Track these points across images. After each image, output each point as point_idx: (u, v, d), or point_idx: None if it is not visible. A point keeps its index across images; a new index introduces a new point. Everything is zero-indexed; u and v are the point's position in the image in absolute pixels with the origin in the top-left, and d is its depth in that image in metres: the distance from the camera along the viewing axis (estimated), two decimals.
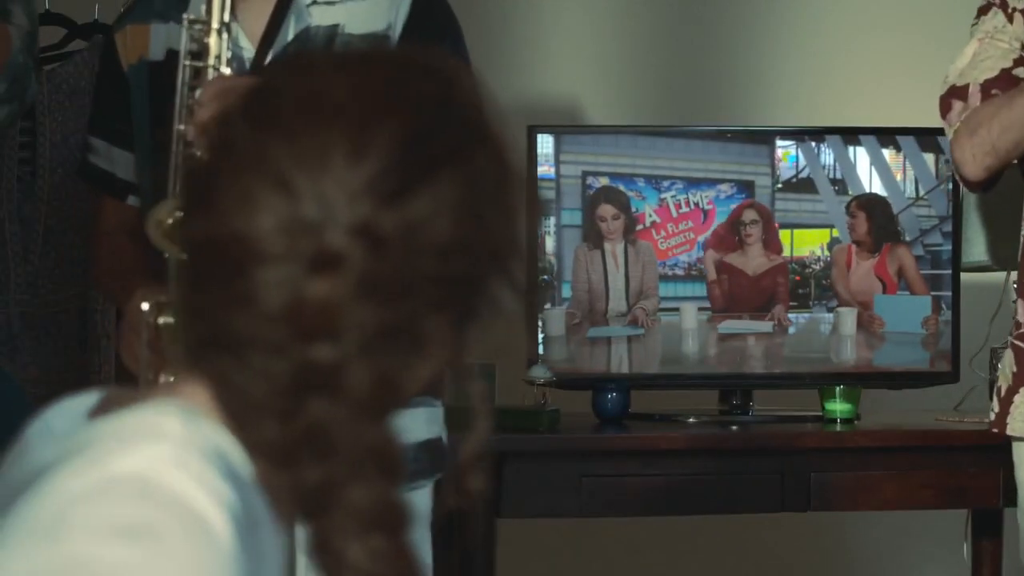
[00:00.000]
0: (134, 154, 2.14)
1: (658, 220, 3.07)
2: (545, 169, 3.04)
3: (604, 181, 3.06)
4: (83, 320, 2.88)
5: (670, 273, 3.06)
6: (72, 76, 2.89)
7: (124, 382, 2.91)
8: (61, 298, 2.88)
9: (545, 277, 3.02)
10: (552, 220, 3.03)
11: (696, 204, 3.08)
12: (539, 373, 2.81)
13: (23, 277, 2.87)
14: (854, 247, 3.12)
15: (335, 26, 2.08)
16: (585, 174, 3.05)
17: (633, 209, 3.06)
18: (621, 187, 3.06)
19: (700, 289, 3.08)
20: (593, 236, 3.04)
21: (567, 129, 3.09)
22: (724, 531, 3.83)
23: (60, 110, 2.88)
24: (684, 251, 3.08)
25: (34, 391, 2.85)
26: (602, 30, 3.85)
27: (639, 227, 3.06)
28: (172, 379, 1.83)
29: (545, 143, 3.04)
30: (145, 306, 1.84)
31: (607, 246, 3.04)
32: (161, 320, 1.83)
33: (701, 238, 3.08)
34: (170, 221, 1.80)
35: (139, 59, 2.12)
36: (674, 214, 3.07)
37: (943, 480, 2.79)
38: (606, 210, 3.04)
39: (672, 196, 3.08)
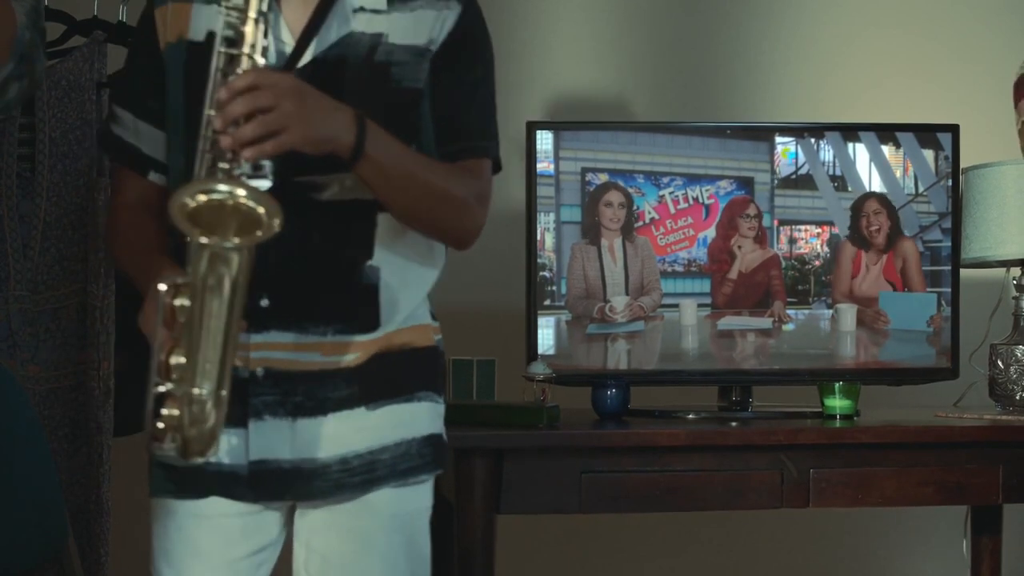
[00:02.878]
0: (164, 132, 2.16)
1: (657, 217, 3.07)
2: (544, 166, 3.04)
3: (604, 177, 3.06)
4: (82, 316, 2.88)
5: (669, 269, 3.07)
6: (71, 72, 2.88)
7: (122, 378, 2.92)
8: (60, 294, 2.88)
9: (544, 274, 3.02)
10: (552, 216, 3.03)
11: (696, 199, 3.08)
12: (539, 369, 2.81)
13: (22, 273, 2.86)
14: (863, 252, 3.12)
15: (379, 35, 2.10)
16: (584, 170, 3.05)
17: (633, 206, 3.06)
18: (620, 183, 3.06)
19: (699, 285, 3.08)
20: (591, 232, 3.04)
21: (566, 125, 3.09)
22: (723, 527, 3.84)
23: (59, 106, 2.88)
24: (684, 248, 3.08)
25: (34, 388, 2.85)
26: (602, 27, 3.85)
27: (638, 224, 3.06)
28: (183, 360, 1.86)
29: (544, 139, 3.04)
30: (162, 287, 1.86)
31: (604, 242, 3.04)
32: (177, 302, 1.86)
33: (701, 234, 3.08)
34: (192, 204, 1.82)
35: (178, 38, 2.13)
36: (672, 211, 3.08)
37: (942, 476, 2.78)
38: (614, 196, 3.04)
39: (671, 192, 3.08)
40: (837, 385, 2.95)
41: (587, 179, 3.05)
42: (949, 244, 3.16)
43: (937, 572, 3.90)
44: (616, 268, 3.05)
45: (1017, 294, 3.21)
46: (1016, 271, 3.22)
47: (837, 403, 2.94)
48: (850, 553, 3.94)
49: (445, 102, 2.14)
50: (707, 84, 3.86)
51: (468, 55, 2.17)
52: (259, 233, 1.83)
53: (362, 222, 2.11)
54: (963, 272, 3.20)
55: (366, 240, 2.11)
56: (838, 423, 2.88)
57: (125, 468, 3.18)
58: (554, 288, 3.03)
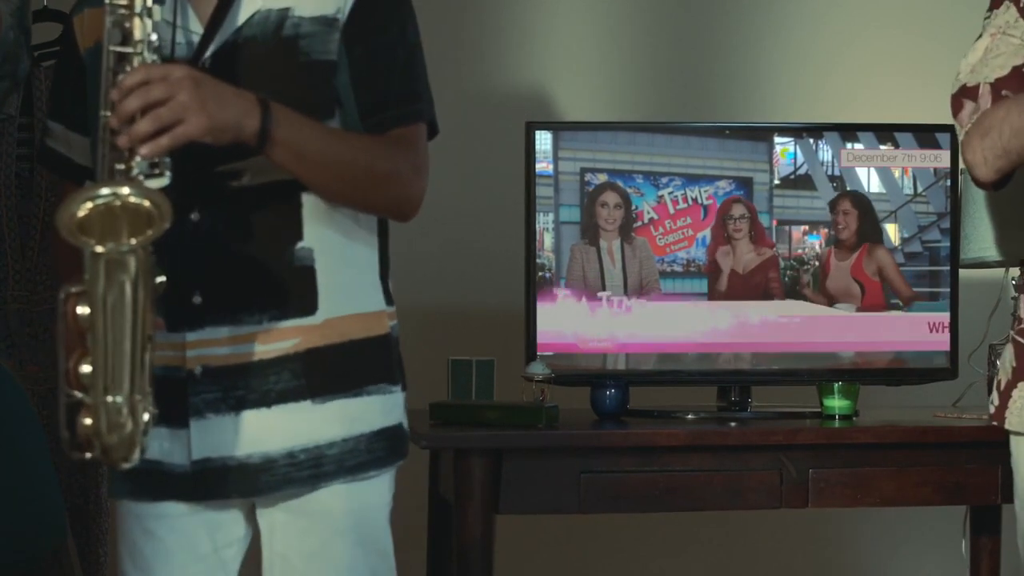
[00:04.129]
0: (89, 138, 2.12)
1: (656, 217, 3.07)
2: (543, 166, 3.04)
3: (602, 178, 3.06)
4: None
5: (668, 269, 3.07)
6: None
7: None
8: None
9: (544, 274, 3.02)
10: (551, 217, 3.03)
11: (695, 200, 3.08)
12: (538, 369, 2.81)
13: (21, 274, 2.86)
14: (832, 249, 3.12)
15: (286, 9, 2.06)
16: (583, 171, 3.05)
17: (632, 206, 3.06)
18: (620, 183, 3.06)
19: (698, 285, 3.08)
20: (590, 232, 3.04)
21: (565, 125, 3.09)
22: (722, 528, 3.84)
23: None
24: (683, 248, 3.08)
25: (33, 388, 2.85)
26: (600, 26, 3.85)
27: (637, 224, 3.06)
28: (90, 368, 1.81)
29: (543, 140, 3.04)
30: (61, 295, 1.82)
31: (603, 243, 3.04)
32: (78, 310, 1.81)
33: (700, 234, 3.08)
34: (80, 213, 1.78)
35: (95, 43, 2.08)
36: (671, 211, 3.08)
37: (941, 476, 2.79)
38: (610, 197, 3.04)
39: (670, 193, 3.08)
40: (836, 385, 2.95)
41: (586, 179, 3.05)
42: (948, 244, 3.16)
43: (936, 572, 3.90)
44: (615, 269, 3.05)
45: (1016, 294, 3.21)
46: (1015, 271, 3.22)
47: (836, 403, 2.94)
48: (849, 553, 3.94)
49: (362, 71, 2.08)
50: (705, 84, 3.86)
51: (379, 17, 2.09)
52: (150, 231, 1.79)
53: (286, 203, 2.06)
54: (962, 272, 3.20)
55: (293, 221, 2.06)
56: (837, 423, 2.88)
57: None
58: (553, 288, 3.03)
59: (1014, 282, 3.21)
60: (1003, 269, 3.29)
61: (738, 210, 3.09)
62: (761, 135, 3.12)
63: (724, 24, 3.88)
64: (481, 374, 2.96)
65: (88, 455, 1.85)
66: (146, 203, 1.78)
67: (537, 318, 3.01)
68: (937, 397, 3.37)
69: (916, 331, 3.13)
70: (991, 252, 3.18)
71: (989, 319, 3.30)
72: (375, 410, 2.12)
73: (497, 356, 3.01)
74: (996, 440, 2.79)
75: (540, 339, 3.00)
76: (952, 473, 2.78)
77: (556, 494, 2.67)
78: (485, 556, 2.62)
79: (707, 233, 3.08)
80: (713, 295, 3.08)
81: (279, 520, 2.11)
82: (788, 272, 3.10)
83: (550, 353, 3.00)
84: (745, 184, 3.10)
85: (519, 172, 3.06)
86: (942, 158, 3.15)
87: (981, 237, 3.19)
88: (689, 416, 2.97)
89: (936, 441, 2.79)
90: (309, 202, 2.07)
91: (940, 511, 3.69)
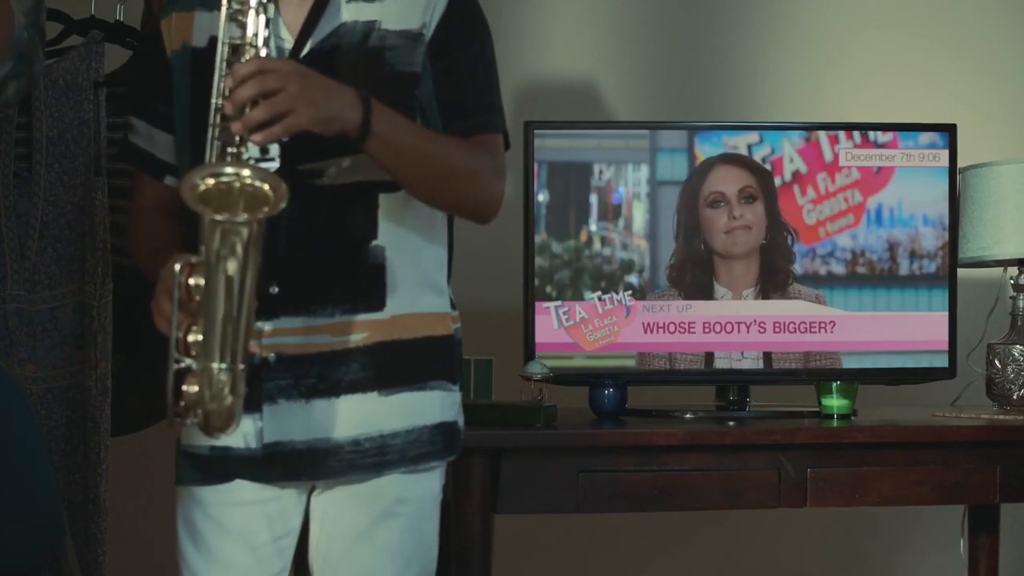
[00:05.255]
0: (174, 136, 2.23)
1: None
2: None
3: None
4: (80, 316, 2.88)
5: (667, 269, 3.07)
6: (68, 72, 2.88)
7: (119, 378, 2.92)
8: (58, 294, 2.88)
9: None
10: None
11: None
12: (536, 369, 2.81)
13: (20, 273, 2.86)
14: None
15: (372, 22, 2.16)
16: None
17: None
18: None
19: (697, 284, 3.08)
20: None
21: (565, 125, 3.09)
22: (721, 527, 3.84)
23: (56, 105, 2.88)
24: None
25: (31, 387, 2.85)
26: (600, 26, 3.85)
27: None
28: (201, 336, 1.91)
29: (543, 139, 3.04)
30: (177, 267, 1.92)
31: None
32: (192, 280, 1.92)
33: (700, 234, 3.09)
34: (202, 186, 1.88)
35: (182, 45, 2.21)
36: None
37: (940, 476, 2.78)
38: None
39: None
40: (834, 384, 2.95)
41: None
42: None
43: (934, 571, 3.90)
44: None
45: (1014, 294, 3.21)
46: (1013, 270, 3.22)
47: (835, 402, 2.94)
48: (847, 553, 3.94)
49: (448, 84, 2.20)
50: (706, 84, 3.86)
51: (463, 35, 2.21)
52: (266, 209, 1.89)
53: (364, 203, 2.17)
54: (960, 272, 3.20)
55: (370, 220, 2.17)
56: (835, 423, 2.88)
57: (123, 468, 3.18)
58: (551, 287, 3.03)
59: (1012, 281, 3.21)
60: (1001, 268, 3.29)
61: (746, 210, 3.09)
62: None
63: (724, 24, 3.88)
64: (480, 373, 2.96)
65: (189, 422, 1.95)
66: (265, 187, 1.90)
67: (536, 317, 3.01)
68: (935, 396, 3.37)
69: (915, 330, 3.13)
70: (989, 251, 3.18)
71: (987, 319, 3.30)
72: (436, 405, 2.23)
73: (495, 355, 3.01)
74: (994, 440, 2.80)
75: (538, 338, 3.00)
76: (950, 472, 2.78)
77: (554, 494, 2.67)
78: (484, 556, 2.62)
79: (707, 232, 3.08)
80: (711, 294, 3.08)
81: (332, 499, 2.21)
82: (789, 271, 3.10)
83: (548, 352, 3.00)
84: None
85: (518, 172, 3.06)
86: (942, 158, 3.15)
87: (979, 237, 3.19)
88: (687, 415, 2.97)
89: (934, 440, 2.79)
90: (385, 203, 2.17)
91: (938, 510, 3.69)
